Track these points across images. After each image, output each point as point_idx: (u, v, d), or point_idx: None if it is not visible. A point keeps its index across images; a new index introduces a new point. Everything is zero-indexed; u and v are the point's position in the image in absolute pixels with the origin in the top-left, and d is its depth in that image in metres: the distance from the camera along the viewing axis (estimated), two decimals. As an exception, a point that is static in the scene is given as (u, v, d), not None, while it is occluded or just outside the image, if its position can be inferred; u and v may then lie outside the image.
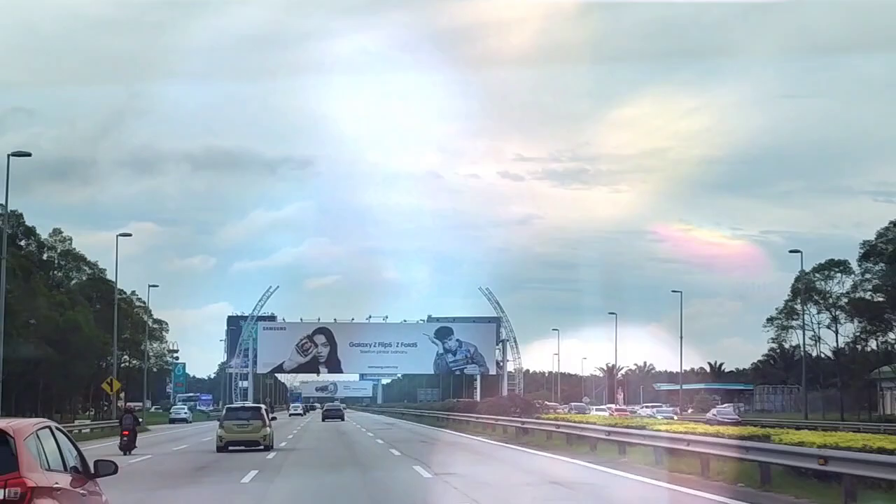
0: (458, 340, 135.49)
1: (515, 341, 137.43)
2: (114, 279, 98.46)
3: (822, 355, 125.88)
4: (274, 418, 52.76)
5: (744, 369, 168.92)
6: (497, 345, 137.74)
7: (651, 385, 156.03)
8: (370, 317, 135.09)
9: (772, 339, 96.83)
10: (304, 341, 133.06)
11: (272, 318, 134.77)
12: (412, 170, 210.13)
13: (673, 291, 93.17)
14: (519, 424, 44.46)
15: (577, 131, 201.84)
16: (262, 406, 44.00)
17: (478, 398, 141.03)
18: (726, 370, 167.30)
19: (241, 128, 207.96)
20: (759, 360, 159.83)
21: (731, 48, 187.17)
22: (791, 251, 76.98)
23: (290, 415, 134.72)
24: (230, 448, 38.14)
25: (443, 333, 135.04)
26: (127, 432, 39.19)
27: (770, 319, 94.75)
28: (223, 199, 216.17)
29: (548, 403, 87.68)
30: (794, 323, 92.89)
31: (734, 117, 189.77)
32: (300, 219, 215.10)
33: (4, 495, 9.23)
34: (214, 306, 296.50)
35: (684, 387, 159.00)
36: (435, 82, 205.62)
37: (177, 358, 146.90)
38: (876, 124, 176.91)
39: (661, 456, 28.10)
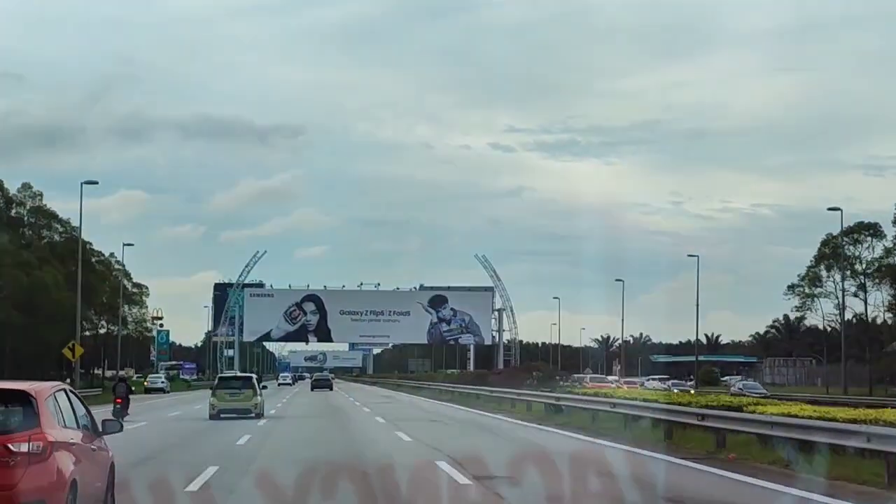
0: (452, 309, 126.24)
1: (512, 310, 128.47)
2: (86, 236, 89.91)
3: (829, 327, 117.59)
4: (265, 387, 49.75)
5: (740, 342, 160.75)
6: (492, 314, 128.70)
7: (648, 357, 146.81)
8: (361, 284, 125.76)
9: (795, 307, 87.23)
10: (292, 309, 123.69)
11: (260, 285, 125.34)
12: (403, 140, 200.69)
13: (689, 256, 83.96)
14: (553, 401, 34.82)
15: (569, 103, 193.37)
16: (254, 375, 43.83)
17: (471, 368, 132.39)
18: (722, 342, 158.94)
19: (231, 96, 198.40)
20: (757, 332, 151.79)
21: (724, 21, 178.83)
22: (830, 209, 67.32)
23: (279, 384, 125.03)
24: (222, 416, 37.59)
25: (437, 302, 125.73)
26: (120, 400, 37.78)
27: (791, 287, 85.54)
28: (213, 168, 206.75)
29: (575, 375, 77.61)
30: (816, 290, 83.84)
31: (725, 90, 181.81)
32: (290, 188, 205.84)
33: (29, 448, 10.04)
34: (203, 275, 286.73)
35: (682, 359, 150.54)
36: (427, 52, 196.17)
37: (161, 325, 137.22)
38: (867, 98, 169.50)
39: (792, 453, 18.86)
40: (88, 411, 12.39)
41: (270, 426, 33.84)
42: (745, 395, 50.49)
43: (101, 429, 12.55)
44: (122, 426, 13.52)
